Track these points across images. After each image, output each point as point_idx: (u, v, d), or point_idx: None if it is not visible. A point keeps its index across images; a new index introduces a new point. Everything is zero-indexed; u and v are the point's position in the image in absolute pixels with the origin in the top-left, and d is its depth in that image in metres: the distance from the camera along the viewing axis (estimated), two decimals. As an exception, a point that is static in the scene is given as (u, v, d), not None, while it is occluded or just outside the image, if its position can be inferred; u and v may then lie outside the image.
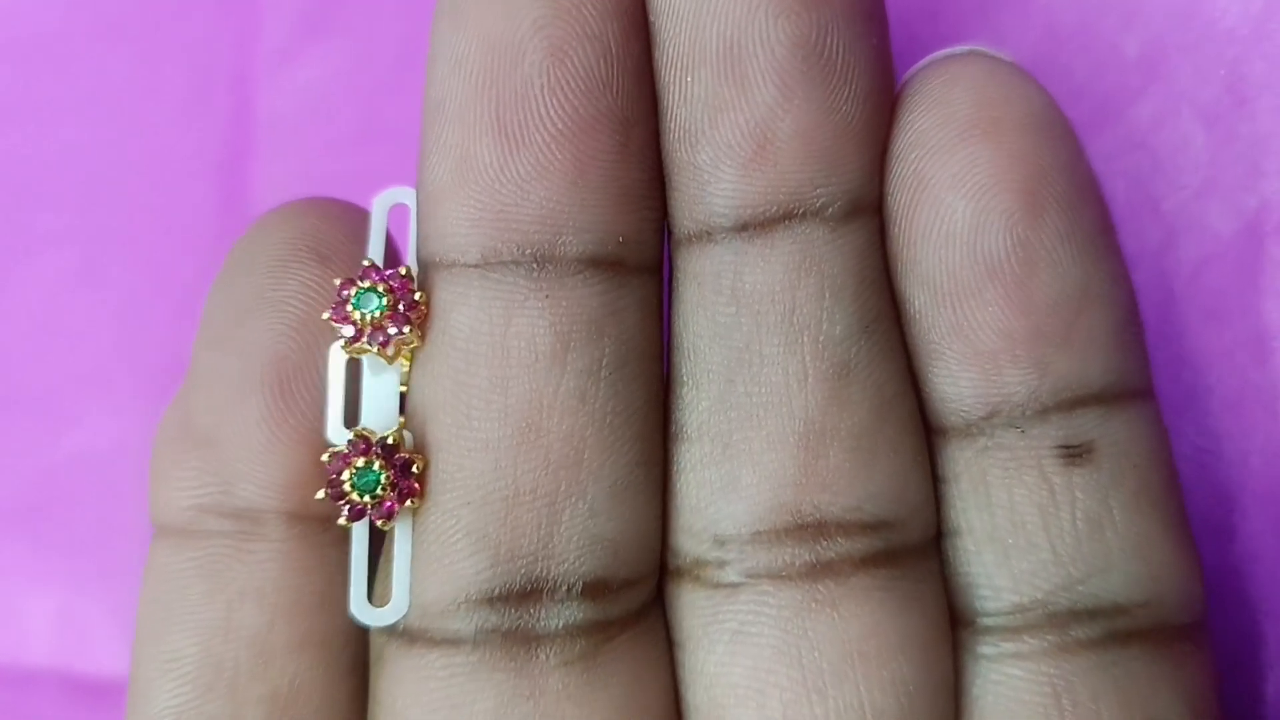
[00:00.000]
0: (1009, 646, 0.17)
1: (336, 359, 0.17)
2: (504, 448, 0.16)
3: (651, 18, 0.16)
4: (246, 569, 0.17)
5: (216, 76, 0.30)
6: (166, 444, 0.17)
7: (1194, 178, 0.21)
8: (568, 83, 0.16)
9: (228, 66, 0.30)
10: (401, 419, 0.17)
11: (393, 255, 0.18)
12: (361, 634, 0.17)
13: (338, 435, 0.17)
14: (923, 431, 0.17)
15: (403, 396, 0.17)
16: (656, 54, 0.16)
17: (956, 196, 0.16)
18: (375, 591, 0.17)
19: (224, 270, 0.17)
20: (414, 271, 0.17)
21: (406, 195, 0.17)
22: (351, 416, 0.17)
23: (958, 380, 0.17)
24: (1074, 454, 0.17)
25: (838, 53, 0.16)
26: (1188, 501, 0.20)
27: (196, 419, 0.17)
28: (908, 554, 0.17)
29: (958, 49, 0.17)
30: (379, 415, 0.17)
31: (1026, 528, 0.17)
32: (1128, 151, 0.22)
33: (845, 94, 0.16)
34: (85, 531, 0.31)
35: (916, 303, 0.17)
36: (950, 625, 0.17)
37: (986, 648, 0.17)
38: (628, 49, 0.16)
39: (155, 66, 0.30)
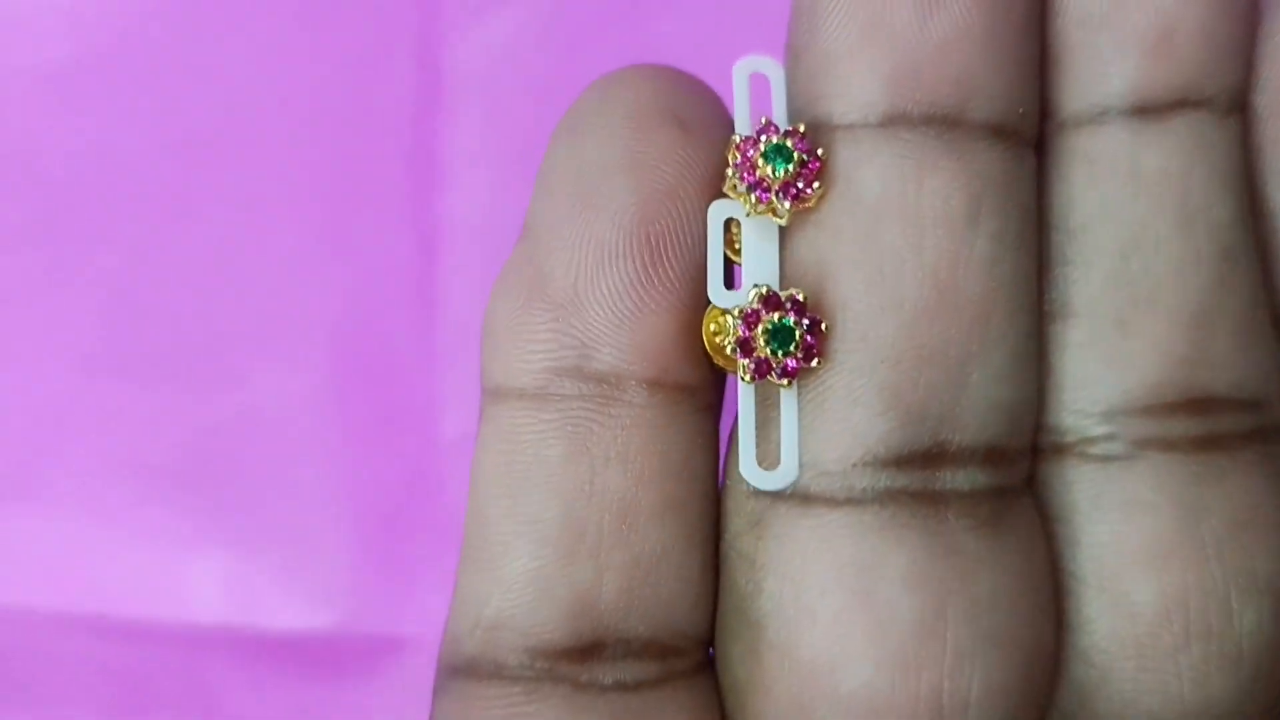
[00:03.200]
0: None
1: (715, 219, 0.17)
2: (920, 307, 0.16)
3: None
4: (610, 433, 0.16)
5: (399, 34, 0.30)
6: (511, 305, 0.17)
7: None
8: None
9: (411, 23, 0.30)
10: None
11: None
12: (715, 504, 0.17)
13: (719, 296, 0.16)
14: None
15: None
16: None
17: None
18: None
19: (567, 128, 0.17)
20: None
21: (766, 65, 0.17)
22: (727, 279, 0.17)
23: None
24: None
25: None
26: None
27: (554, 280, 0.16)
28: (1275, 432, 0.17)
29: None
30: (762, 274, 0.17)
31: None
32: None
33: None
34: (251, 491, 0.31)
35: (1272, 202, 0.17)
36: None
37: None
38: None
39: (336, 24, 0.30)
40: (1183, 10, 0.17)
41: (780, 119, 0.17)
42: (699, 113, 0.17)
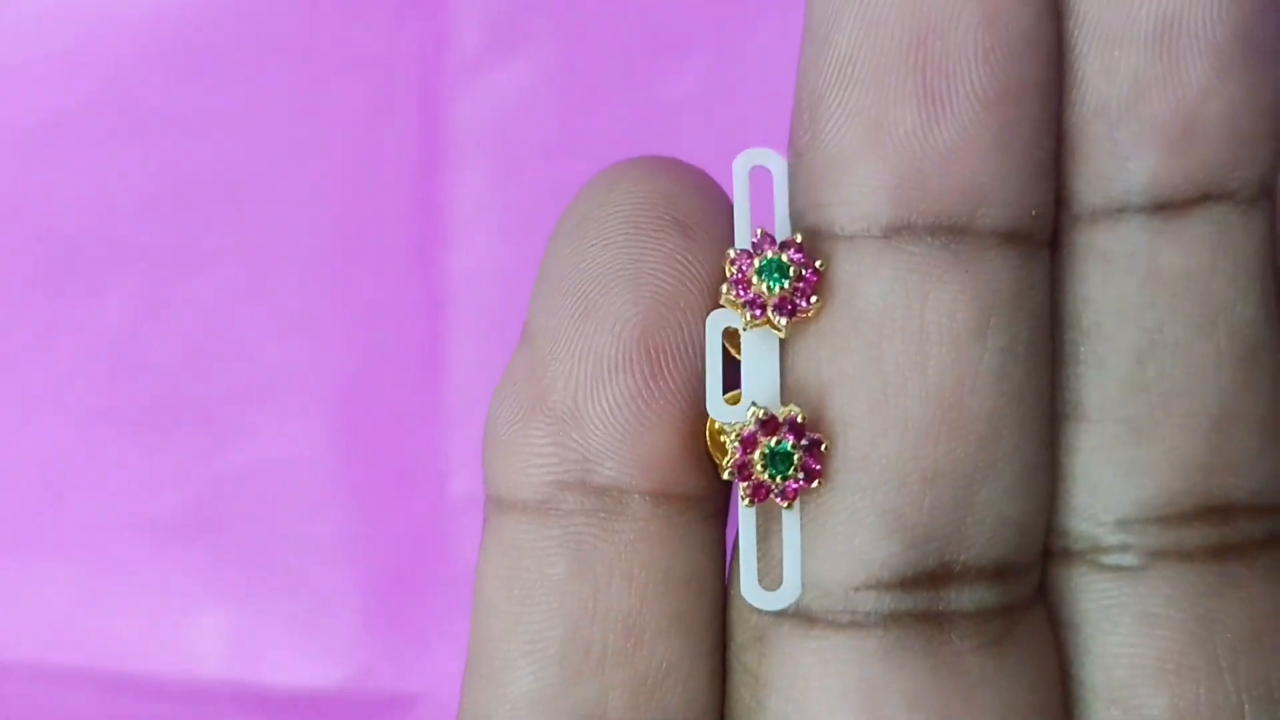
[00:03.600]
0: None
1: (714, 331, 0.16)
2: (924, 427, 0.16)
3: None
4: (614, 549, 0.16)
5: (403, 89, 0.30)
6: (511, 415, 0.16)
7: None
8: (999, 48, 0.15)
9: (414, 79, 0.30)
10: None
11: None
12: (721, 614, 0.17)
13: (718, 410, 0.16)
14: None
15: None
16: (1070, 24, 0.16)
17: None
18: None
19: (567, 230, 0.17)
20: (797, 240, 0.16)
21: (768, 158, 0.17)
22: (731, 380, 0.16)
23: None
24: None
25: (1266, 37, 0.16)
26: None
27: (554, 392, 0.16)
28: None
29: None
30: (761, 389, 0.16)
31: None
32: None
33: (1269, 79, 0.16)
34: (258, 545, 0.31)
35: None
36: None
37: None
38: (1050, 12, 0.16)
39: (340, 79, 0.30)
40: (1207, 101, 0.16)
41: (781, 218, 0.17)
42: (701, 210, 0.17)
